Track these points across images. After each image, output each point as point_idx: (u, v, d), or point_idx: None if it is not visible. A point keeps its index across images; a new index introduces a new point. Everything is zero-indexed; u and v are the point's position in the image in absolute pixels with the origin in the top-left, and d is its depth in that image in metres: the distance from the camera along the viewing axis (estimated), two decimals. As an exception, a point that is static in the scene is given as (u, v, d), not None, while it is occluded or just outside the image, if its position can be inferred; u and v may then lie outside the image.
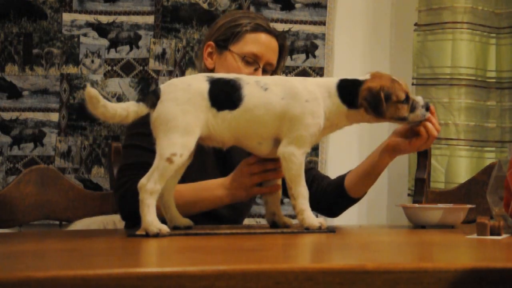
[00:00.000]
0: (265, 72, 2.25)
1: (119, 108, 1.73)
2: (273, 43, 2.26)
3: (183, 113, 1.74)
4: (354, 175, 2.14)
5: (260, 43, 2.24)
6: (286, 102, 1.79)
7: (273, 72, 2.28)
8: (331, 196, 2.18)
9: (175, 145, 1.72)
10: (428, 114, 1.90)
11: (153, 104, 1.75)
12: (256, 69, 2.23)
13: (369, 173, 2.10)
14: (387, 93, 1.82)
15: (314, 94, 1.81)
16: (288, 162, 1.80)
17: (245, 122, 1.79)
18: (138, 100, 1.75)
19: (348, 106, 1.83)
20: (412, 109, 1.86)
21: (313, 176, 2.23)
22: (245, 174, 1.98)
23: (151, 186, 1.70)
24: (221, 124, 1.78)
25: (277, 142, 1.83)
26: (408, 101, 1.85)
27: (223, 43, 2.25)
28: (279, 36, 2.29)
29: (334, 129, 1.89)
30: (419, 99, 1.88)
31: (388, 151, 2.04)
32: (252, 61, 2.23)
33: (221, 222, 2.17)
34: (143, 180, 1.71)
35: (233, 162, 2.19)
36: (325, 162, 3.32)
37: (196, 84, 1.79)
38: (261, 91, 1.80)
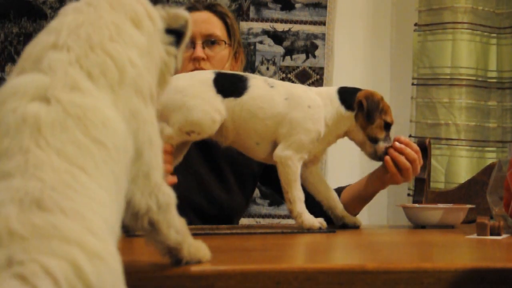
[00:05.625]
0: (213, 44, 2.23)
1: None
2: (202, 15, 2.24)
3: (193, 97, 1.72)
4: (349, 196, 2.13)
5: None
6: (289, 103, 1.79)
7: (233, 44, 2.26)
8: (324, 212, 2.10)
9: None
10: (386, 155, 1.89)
11: None
12: (194, 48, 2.20)
13: (364, 197, 2.11)
14: (383, 108, 1.86)
15: (316, 102, 1.82)
16: (285, 167, 1.78)
17: (247, 113, 1.77)
18: None
19: (346, 107, 1.84)
20: (385, 140, 1.88)
21: None
22: None
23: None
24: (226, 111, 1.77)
25: (274, 146, 1.81)
26: (388, 130, 1.87)
27: None
28: (210, 8, 2.27)
29: (332, 139, 1.89)
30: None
31: (383, 182, 2.04)
32: (189, 44, 2.22)
33: (212, 222, 2.15)
34: None
35: (218, 153, 2.18)
36: (325, 162, 3.32)
37: (199, 74, 1.80)
38: (267, 86, 1.80)
